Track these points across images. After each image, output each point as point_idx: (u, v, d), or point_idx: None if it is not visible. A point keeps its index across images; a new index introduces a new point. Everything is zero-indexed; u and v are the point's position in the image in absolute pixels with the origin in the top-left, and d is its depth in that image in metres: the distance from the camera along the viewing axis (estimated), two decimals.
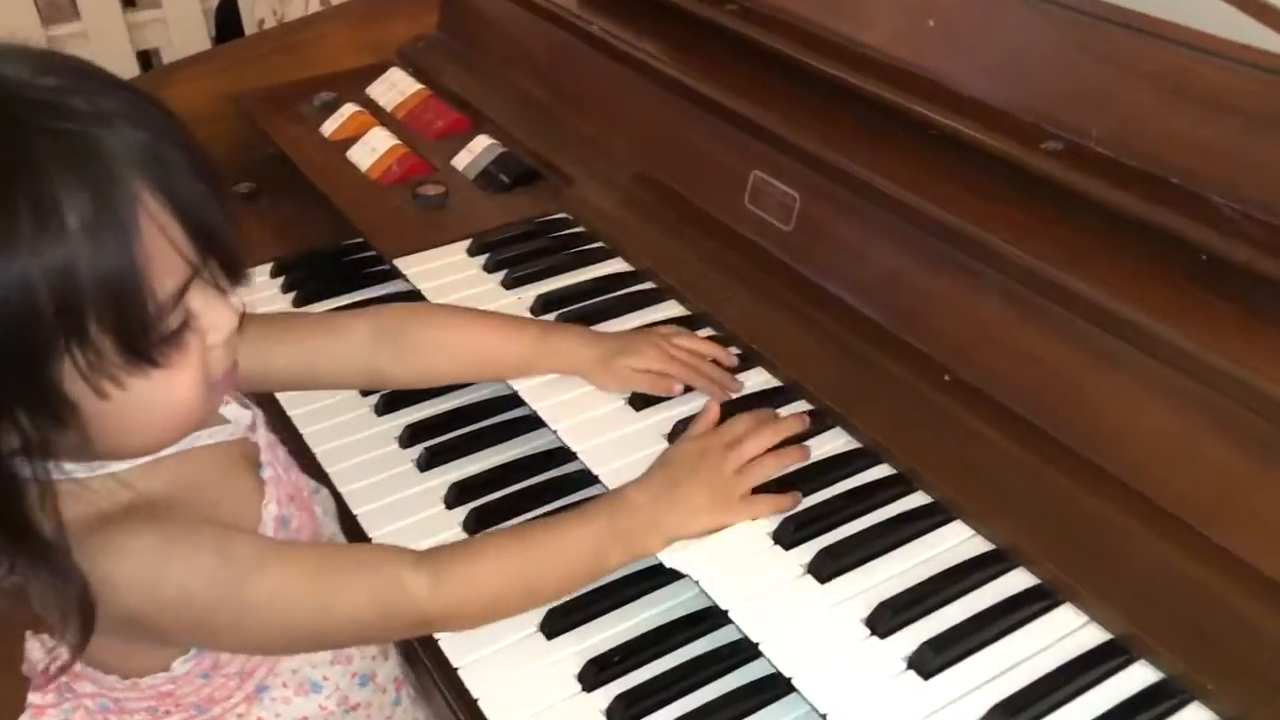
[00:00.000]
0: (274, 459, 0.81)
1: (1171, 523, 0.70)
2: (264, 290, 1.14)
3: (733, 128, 1.00)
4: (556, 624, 0.78)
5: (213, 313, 0.65)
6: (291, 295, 1.13)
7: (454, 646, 0.77)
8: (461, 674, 0.76)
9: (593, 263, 1.05)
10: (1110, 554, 0.70)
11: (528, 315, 0.99)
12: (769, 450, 0.82)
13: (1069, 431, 0.76)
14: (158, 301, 0.61)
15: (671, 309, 0.99)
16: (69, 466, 0.66)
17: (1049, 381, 0.77)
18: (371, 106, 1.32)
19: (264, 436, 0.81)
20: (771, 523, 0.77)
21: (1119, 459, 0.73)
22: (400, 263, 1.05)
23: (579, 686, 0.74)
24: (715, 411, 0.85)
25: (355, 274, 1.16)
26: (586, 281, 1.02)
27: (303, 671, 0.80)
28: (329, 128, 1.29)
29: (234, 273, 0.66)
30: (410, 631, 0.77)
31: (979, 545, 0.75)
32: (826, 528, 0.76)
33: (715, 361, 0.92)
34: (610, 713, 0.73)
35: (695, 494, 0.77)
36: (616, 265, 1.05)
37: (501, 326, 0.93)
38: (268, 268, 1.17)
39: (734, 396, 0.89)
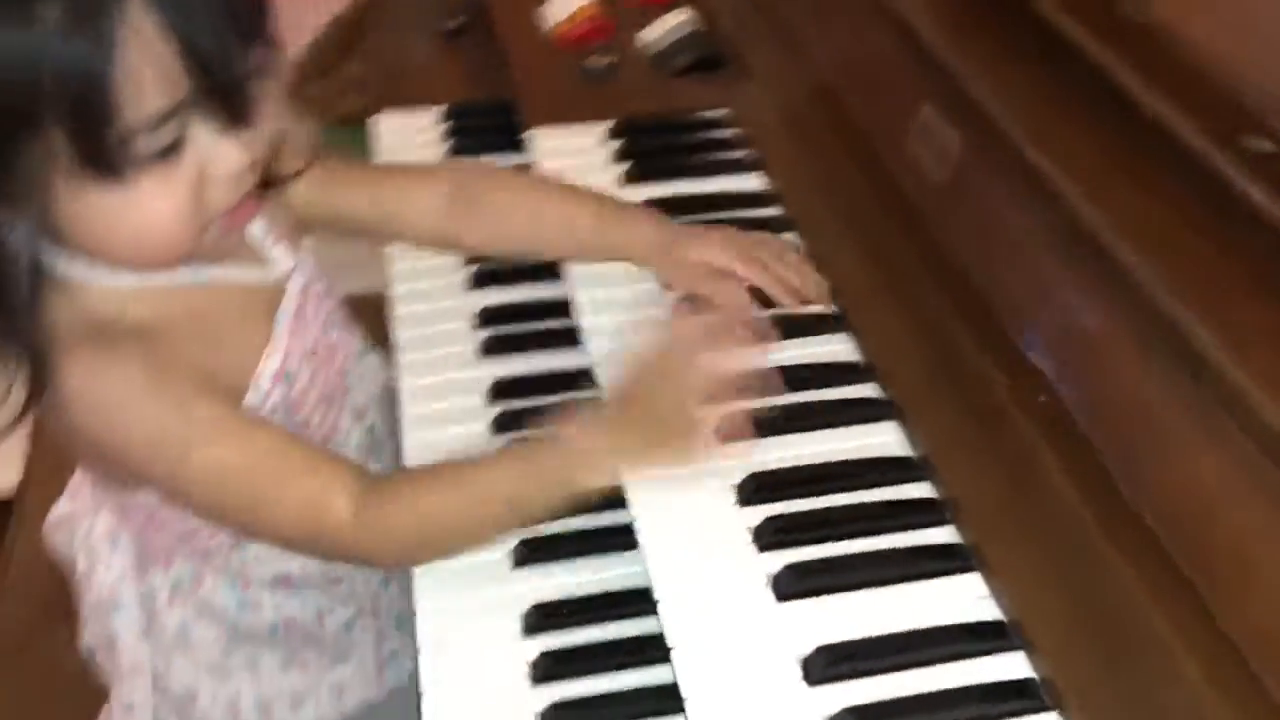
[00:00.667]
0: (304, 311, 0.79)
1: None
2: (424, 134, 1.12)
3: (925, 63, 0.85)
4: (526, 554, 0.73)
5: (213, 146, 0.62)
6: (448, 144, 1.10)
7: None
8: (415, 579, 0.72)
9: (729, 173, 0.95)
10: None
11: None
12: None
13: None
14: (128, 119, 0.58)
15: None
16: (71, 264, 0.66)
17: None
18: None
19: (298, 284, 0.79)
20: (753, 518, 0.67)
21: None
22: (533, 133, 0.99)
23: (519, 629, 0.69)
24: (692, 322, 0.73)
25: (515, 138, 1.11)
26: (712, 194, 0.92)
27: None
28: None
29: (233, 112, 0.62)
30: (333, 557, 0.74)
31: (986, 611, 0.62)
32: (816, 538, 0.65)
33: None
34: (534, 665, 0.67)
35: (647, 429, 0.67)
36: (751, 182, 0.94)
37: (574, 196, 0.87)
38: (438, 110, 1.14)
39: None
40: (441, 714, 0.64)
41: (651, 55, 1.09)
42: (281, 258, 0.78)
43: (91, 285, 0.68)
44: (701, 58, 1.07)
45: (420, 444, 0.81)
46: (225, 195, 0.65)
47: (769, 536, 0.65)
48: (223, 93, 0.61)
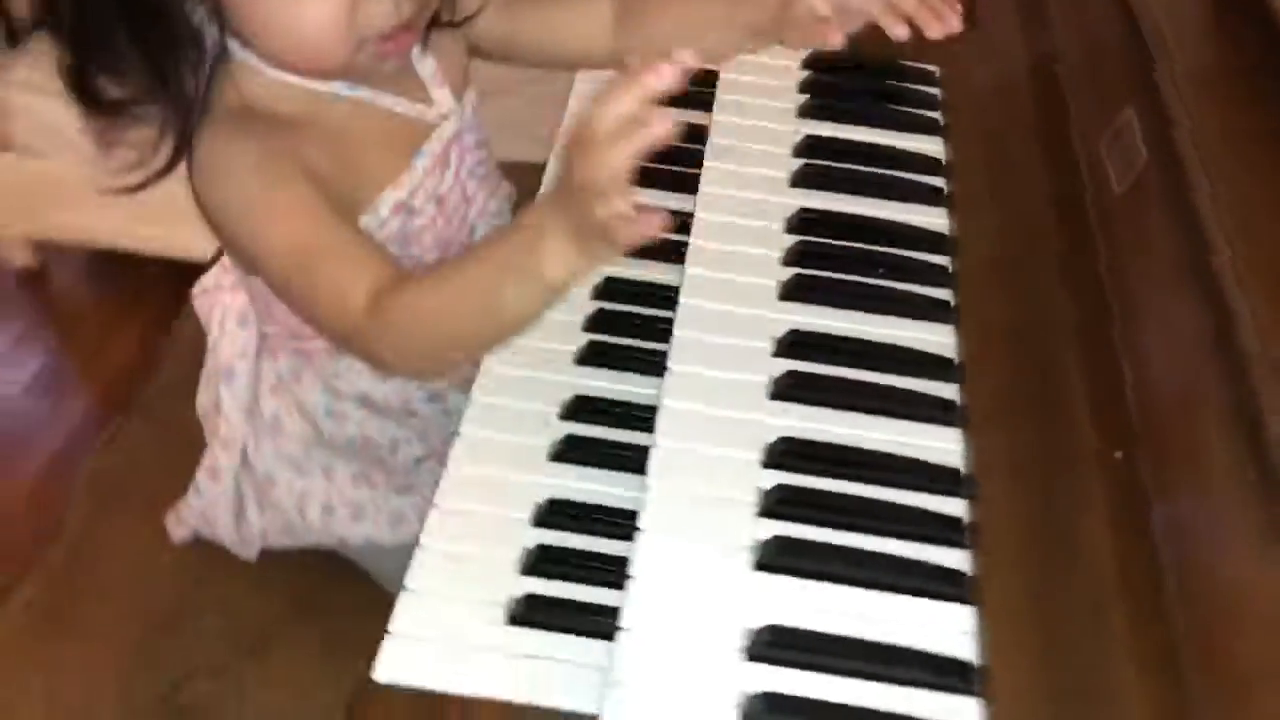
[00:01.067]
0: (447, 155, 0.82)
1: None
2: None
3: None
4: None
5: None
6: None
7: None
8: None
9: (910, 131, 0.89)
10: None
11: (788, 153, 0.87)
12: None
13: None
14: None
15: (932, 218, 0.82)
16: (245, 53, 0.72)
17: None
18: None
19: (448, 130, 0.81)
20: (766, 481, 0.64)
21: None
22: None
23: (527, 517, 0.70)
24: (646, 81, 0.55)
25: None
26: (882, 147, 0.87)
27: None
28: None
29: None
30: (351, 350, 0.74)
31: (961, 648, 0.58)
32: (818, 519, 0.62)
33: None
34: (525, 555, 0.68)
35: (573, 215, 0.58)
36: (928, 146, 0.88)
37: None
38: None
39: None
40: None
41: None
42: (442, 101, 0.81)
43: (255, 75, 0.73)
44: None
45: None
46: (380, 17, 0.68)
47: (771, 503, 0.63)
48: None
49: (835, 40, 0.75)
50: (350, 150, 0.76)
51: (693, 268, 0.77)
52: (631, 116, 0.53)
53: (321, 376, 0.87)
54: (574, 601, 0.65)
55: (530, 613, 0.64)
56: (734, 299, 0.75)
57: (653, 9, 0.84)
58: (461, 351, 0.73)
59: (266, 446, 0.91)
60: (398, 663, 0.62)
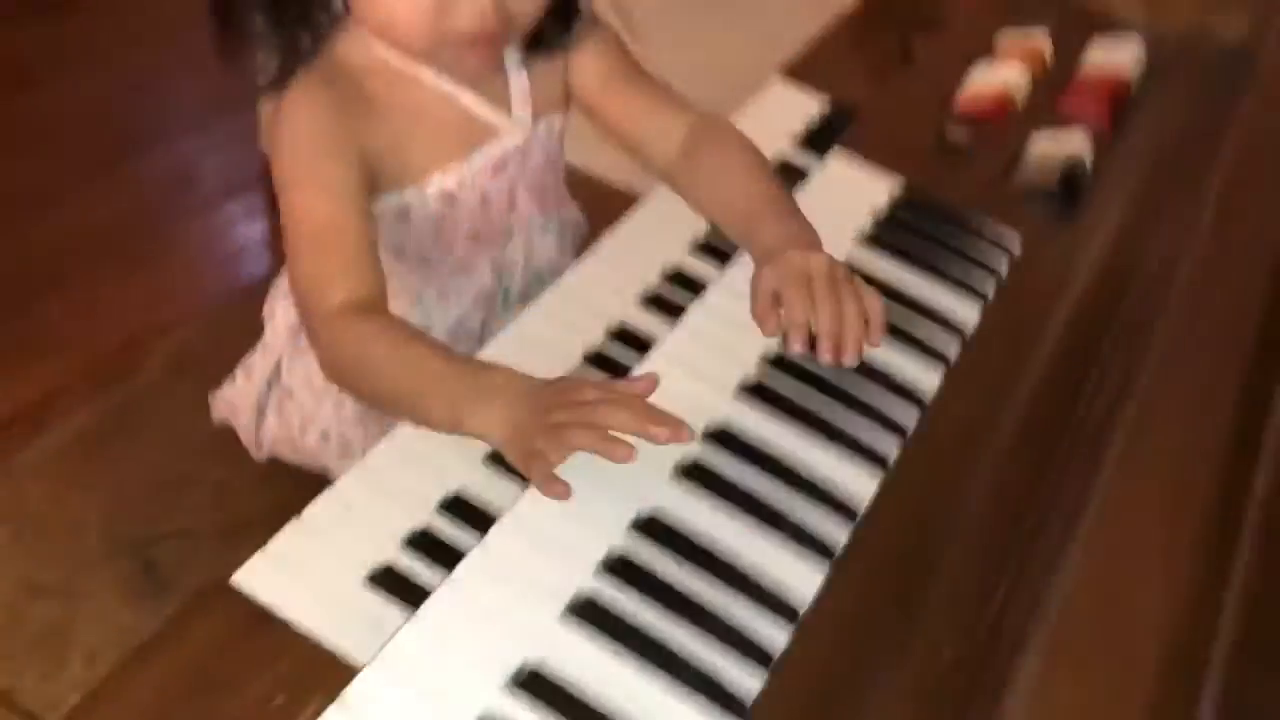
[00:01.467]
0: (505, 164, 0.89)
1: None
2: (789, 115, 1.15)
3: None
4: None
5: None
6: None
7: None
8: None
9: (958, 293, 0.90)
10: None
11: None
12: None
13: None
14: None
15: (921, 374, 0.82)
16: (356, 24, 0.81)
17: None
18: (1064, 50, 1.18)
19: (513, 141, 0.88)
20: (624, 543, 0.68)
21: None
22: (840, 151, 1.00)
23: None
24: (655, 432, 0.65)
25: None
26: (909, 291, 0.88)
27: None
28: (1004, 37, 1.18)
29: None
30: (303, 318, 0.80)
31: None
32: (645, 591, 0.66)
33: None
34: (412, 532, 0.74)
35: (513, 415, 0.67)
36: (963, 310, 0.88)
37: (761, 182, 0.85)
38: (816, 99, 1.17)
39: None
40: None
41: (1011, 158, 1.03)
42: (520, 116, 0.88)
43: (360, 45, 0.82)
44: (1053, 191, 0.99)
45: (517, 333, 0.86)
46: (465, 22, 0.75)
47: (611, 562, 0.66)
48: None
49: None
50: (416, 129, 0.84)
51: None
52: (619, 427, 0.64)
53: None
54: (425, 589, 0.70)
55: (386, 581, 0.70)
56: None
57: (704, 178, 0.87)
58: (369, 401, 0.81)
59: (298, 364, 1.00)
60: (257, 575, 0.69)
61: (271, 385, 1.02)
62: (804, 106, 1.17)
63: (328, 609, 0.68)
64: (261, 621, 0.68)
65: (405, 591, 0.69)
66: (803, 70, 1.23)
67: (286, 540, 0.71)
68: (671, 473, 0.73)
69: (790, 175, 1.03)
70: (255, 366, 1.02)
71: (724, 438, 0.75)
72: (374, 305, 0.76)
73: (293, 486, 1.05)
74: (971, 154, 1.03)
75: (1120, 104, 1.11)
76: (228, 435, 1.07)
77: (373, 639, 0.65)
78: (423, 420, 0.73)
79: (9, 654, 0.91)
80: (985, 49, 1.17)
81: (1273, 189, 0.82)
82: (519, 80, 0.88)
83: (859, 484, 0.74)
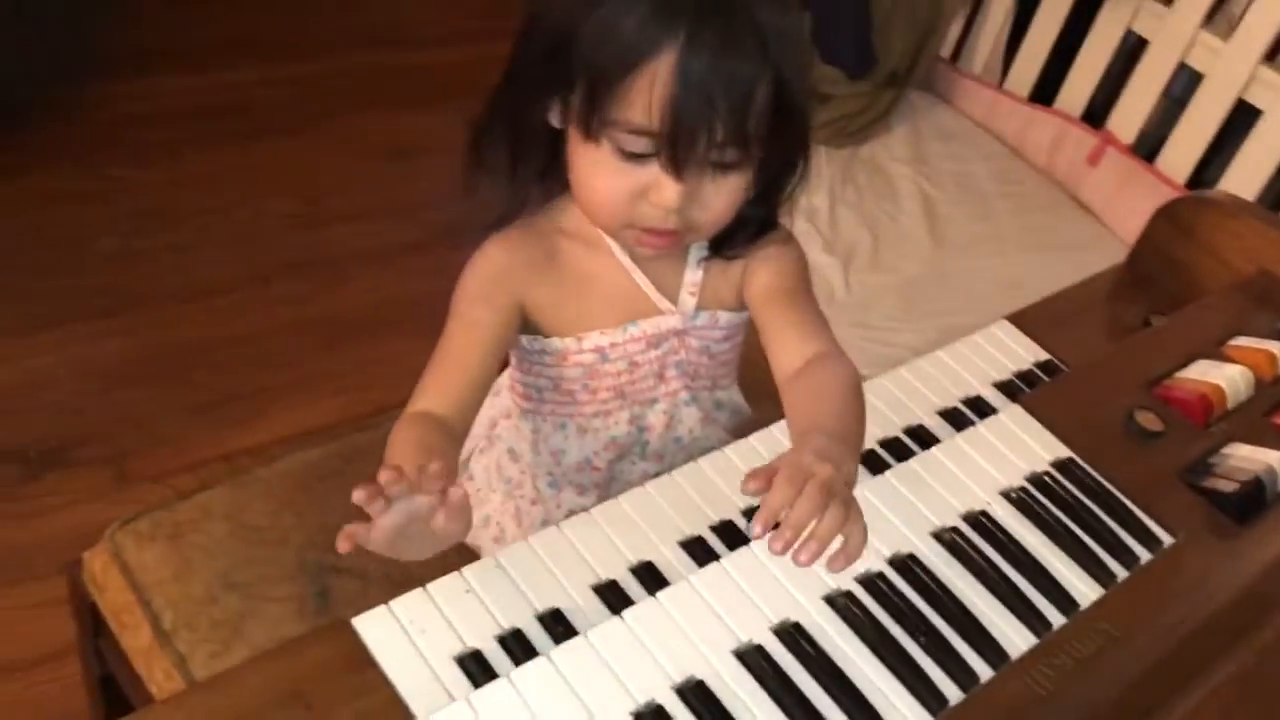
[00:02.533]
0: (657, 340, 1.00)
1: None
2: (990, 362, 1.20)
3: None
4: None
5: (659, 176, 0.85)
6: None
7: None
8: None
9: (1080, 565, 0.91)
10: None
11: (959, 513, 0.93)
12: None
13: None
14: (613, 113, 0.83)
15: (1015, 636, 0.85)
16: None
17: None
18: None
19: (670, 324, 1.00)
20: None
21: None
22: (1017, 410, 1.04)
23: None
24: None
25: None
26: (1035, 557, 0.90)
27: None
28: (1241, 341, 1.18)
29: (674, 169, 0.84)
30: None
31: None
32: None
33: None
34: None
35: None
36: (1084, 588, 0.89)
37: (834, 422, 0.84)
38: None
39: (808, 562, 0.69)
40: None
41: (1200, 460, 1.03)
42: (682, 304, 1.00)
43: (568, 212, 0.97)
44: (1229, 497, 0.98)
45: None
46: (649, 215, 0.88)
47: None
48: (673, 151, 0.83)
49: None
50: (591, 289, 0.98)
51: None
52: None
53: (533, 430, 1.10)
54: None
55: (470, 663, 0.81)
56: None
57: (797, 392, 0.91)
58: None
59: (487, 454, 1.15)
60: (373, 623, 0.82)
61: (462, 467, 1.16)
62: (1020, 352, 1.21)
63: (417, 669, 0.80)
64: (364, 663, 0.80)
65: (482, 675, 0.79)
66: (1038, 317, 1.27)
67: (408, 601, 0.84)
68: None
69: (980, 413, 1.08)
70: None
71: (792, 634, 0.81)
72: (443, 423, 0.89)
73: (458, 561, 1.18)
74: (1157, 443, 1.03)
75: None
76: None
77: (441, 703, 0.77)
78: None
79: (195, 626, 1.08)
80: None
81: None
82: (694, 274, 1.00)
83: (912, 714, 0.78)
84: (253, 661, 0.81)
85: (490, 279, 0.95)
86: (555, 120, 0.89)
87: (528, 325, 0.99)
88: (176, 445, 1.87)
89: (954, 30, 2.93)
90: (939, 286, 2.39)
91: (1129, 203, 2.57)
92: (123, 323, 2.05)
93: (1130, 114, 2.66)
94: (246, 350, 2.06)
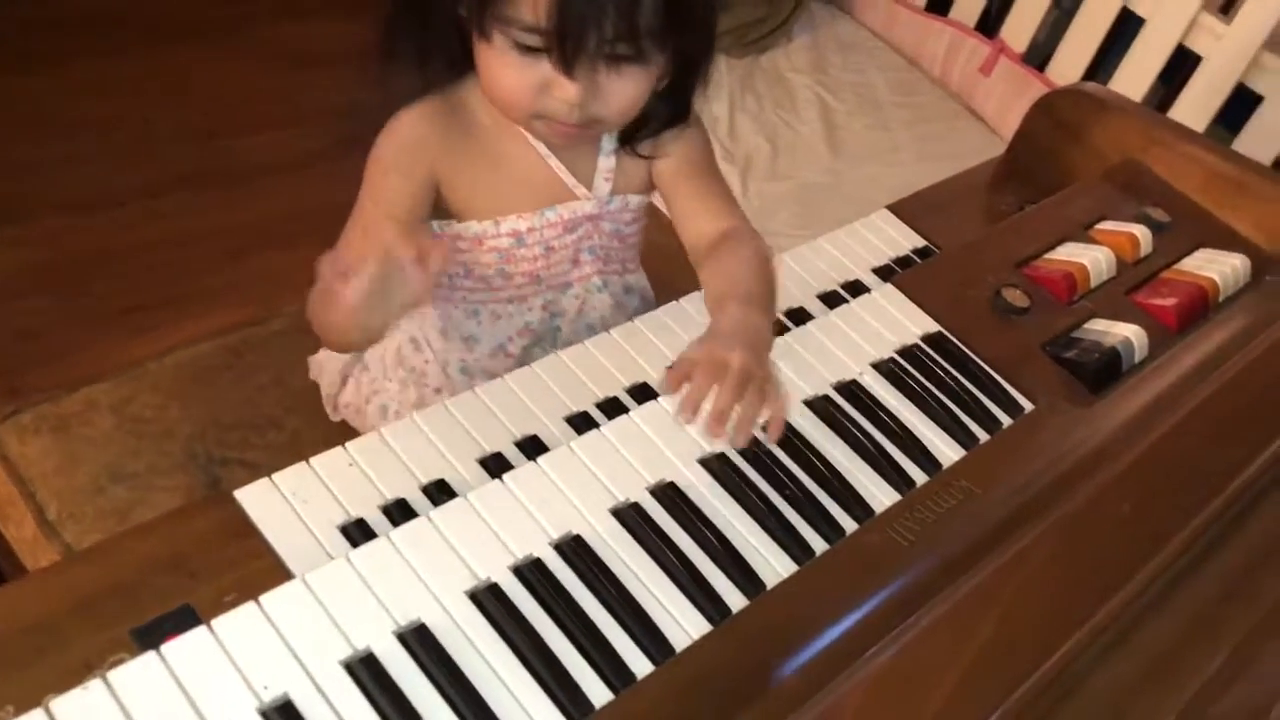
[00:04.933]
0: (574, 225, 1.02)
1: None
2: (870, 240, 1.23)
3: None
4: None
5: (556, 74, 0.86)
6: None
7: None
8: None
9: (944, 430, 0.95)
10: None
11: (830, 383, 0.97)
12: None
13: None
14: (508, 11, 0.84)
15: (880, 494, 0.89)
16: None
17: None
18: (1171, 253, 1.21)
19: (584, 209, 1.01)
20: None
21: None
22: (890, 289, 1.07)
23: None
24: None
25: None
26: (903, 423, 0.95)
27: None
28: (1107, 225, 1.23)
29: (565, 66, 0.85)
30: None
31: None
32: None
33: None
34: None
35: None
36: (948, 450, 0.94)
37: (746, 291, 0.90)
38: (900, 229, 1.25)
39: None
40: None
41: (1063, 334, 1.08)
42: (597, 190, 1.01)
43: (482, 96, 0.97)
44: (1086, 367, 1.03)
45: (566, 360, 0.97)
46: (554, 109, 0.89)
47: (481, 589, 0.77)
48: (562, 48, 0.83)
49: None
50: (507, 173, 0.99)
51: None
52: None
53: (443, 317, 1.10)
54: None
55: (354, 532, 0.82)
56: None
57: (711, 267, 0.96)
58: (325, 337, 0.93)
59: (379, 346, 1.15)
60: (256, 495, 0.83)
61: (356, 357, 1.17)
62: (898, 239, 1.25)
63: (299, 539, 0.81)
64: (245, 533, 0.81)
65: (364, 540, 0.80)
66: (917, 206, 1.31)
67: (291, 474, 0.85)
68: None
69: (857, 295, 1.12)
70: None
71: (667, 492, 0.84)
72: None
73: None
74: (1022, 319, 1.08)
75: (1193, 312, 1.13)
76: (315, 394, 1.23)
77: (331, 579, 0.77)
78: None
79: (81, 517, 1.08)
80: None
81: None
82: (607, 160, 1.01)
83: (779, 564, 0.81)
84: (133, 531, 0.81)
85: (404, 148, 0.95)
86: (463, 10, 0.89)
87: (441, 209, 1.00)
88: (73, 359, 1.82)
89: None
90: (836, 195, 2.43)
91: (1020, 111, 2.60)
92: (11, 234, 1.98)
93: (1022, 23, 2.70)
94: (147, 261, 2.01)
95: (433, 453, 0.89)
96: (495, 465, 0.88)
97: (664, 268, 1.23)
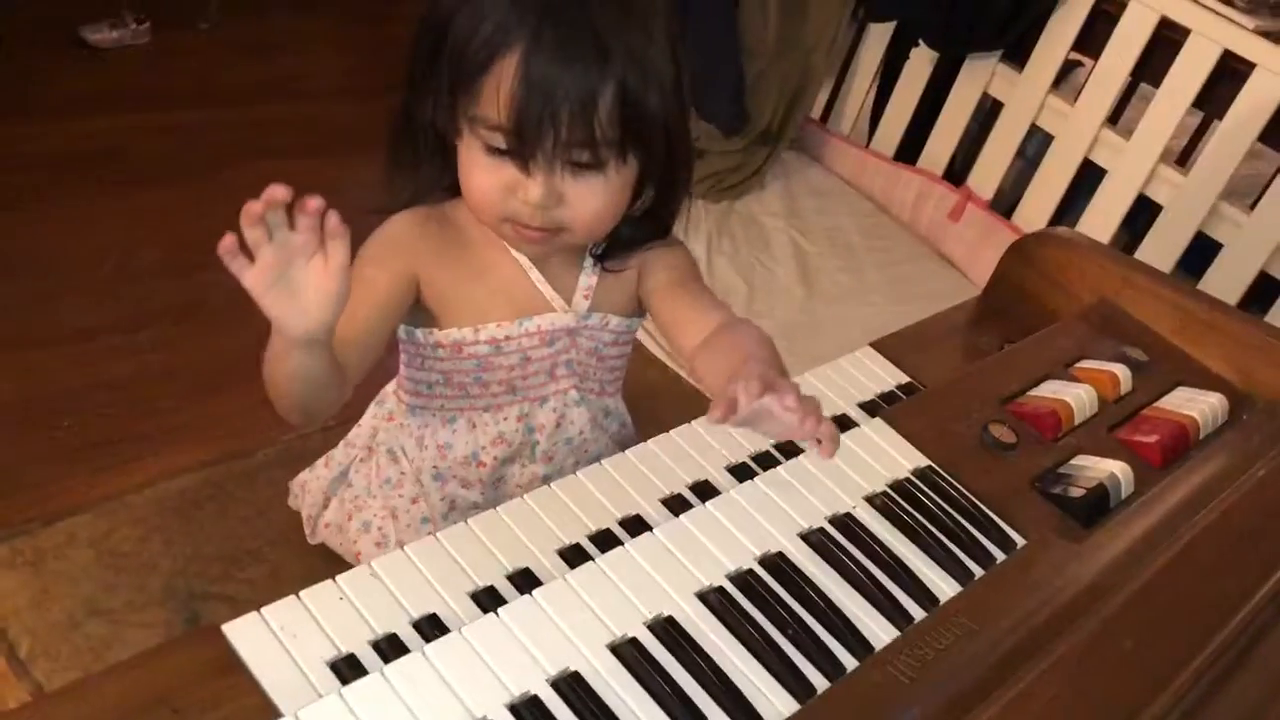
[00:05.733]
0: (551, 339, 1.03)
1: None
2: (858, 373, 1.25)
3: None
4: None
5: (521, 175, 0.89)
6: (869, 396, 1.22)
7: None
8: None
9: (939, 565, 0.95)
10: None
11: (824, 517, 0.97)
12: None
13: None
14: (475, 111, 0.88)
15: (878, 629, 0.88)
16: None
17: None
18: (1151, 391, 1.24)
19: (560, 323, 1.02)
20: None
21: None
22: (881, 423, 1.08)
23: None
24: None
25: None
26: (896, 556, 0.94)
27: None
28: (1087, 364, 1.25)
29: (521, 164, 0.89)
30: None
31: None
32: None
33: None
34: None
35: None
36: (942, 584, 0.93)
37: (758, 357, 0.90)
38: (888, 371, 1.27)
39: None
40: None
41: (1050, 470, 1.08)
42: (575, 306, 1.03)
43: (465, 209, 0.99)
44: (1076, 503, 1.04)
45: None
46: (520, 211, 0.92)
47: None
48: (521, 147, 0.87)
49: (715, 417, 0.79)
50: (486, 283, 1.01)
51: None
52: None
53: (420, 425, 1.10)
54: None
55: (344, 669, 0.80)
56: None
57: (710, 349, 0.96)
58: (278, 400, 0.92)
59: (368, 464, 1.14)
60: (243, 629, 0.81)
61: (342, 476, 1.16)
62: (883, 375, 1.27)
63: (287, 675, 0.79)
64: (229, 669, 0.79)
65: (355, 677, 0.78)
66: (900, 344, 1.33)
67: (280, 607, 0.83)
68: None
69: (844, 429, 1.12)
70: (335, 457, 1.17)
71: (665, 629, 0.82)
72: None
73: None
74: (1010, 455, 1.09)
75: (1176, 449, 1.15)
76: (296, 524, 1.21)
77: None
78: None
79: (55, 654, 1.04)
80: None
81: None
82: (588, 278, 1.04)
83: (781, 703, 0.80)
84: (113, 669, 0.79)
85: (389, 244, 0.98)
86: (438, 119, 0.93)
87: (422, 316, 1.01)
88: (41, 491, 1.79)
89: (824, 93, 3.05)
90: (812, 332, 2.47)
91: (989, 255, 2.69)
92: None
93: (988, 172, 2.80)
94: (117, 397, 2.00)
95: (424, 586, 0.87)
96: (488, 599, 0.87)
97: (650, 404, 1.24)
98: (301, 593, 0.85)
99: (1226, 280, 2.40)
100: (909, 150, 2.97)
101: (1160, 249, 2.48)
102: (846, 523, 0.96)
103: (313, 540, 1.18)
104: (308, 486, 1.18)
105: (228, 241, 0.73)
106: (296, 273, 0.76)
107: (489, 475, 1.10)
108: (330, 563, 1.17)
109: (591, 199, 0.92)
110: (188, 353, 2.12)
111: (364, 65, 2.98)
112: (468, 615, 0.85)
